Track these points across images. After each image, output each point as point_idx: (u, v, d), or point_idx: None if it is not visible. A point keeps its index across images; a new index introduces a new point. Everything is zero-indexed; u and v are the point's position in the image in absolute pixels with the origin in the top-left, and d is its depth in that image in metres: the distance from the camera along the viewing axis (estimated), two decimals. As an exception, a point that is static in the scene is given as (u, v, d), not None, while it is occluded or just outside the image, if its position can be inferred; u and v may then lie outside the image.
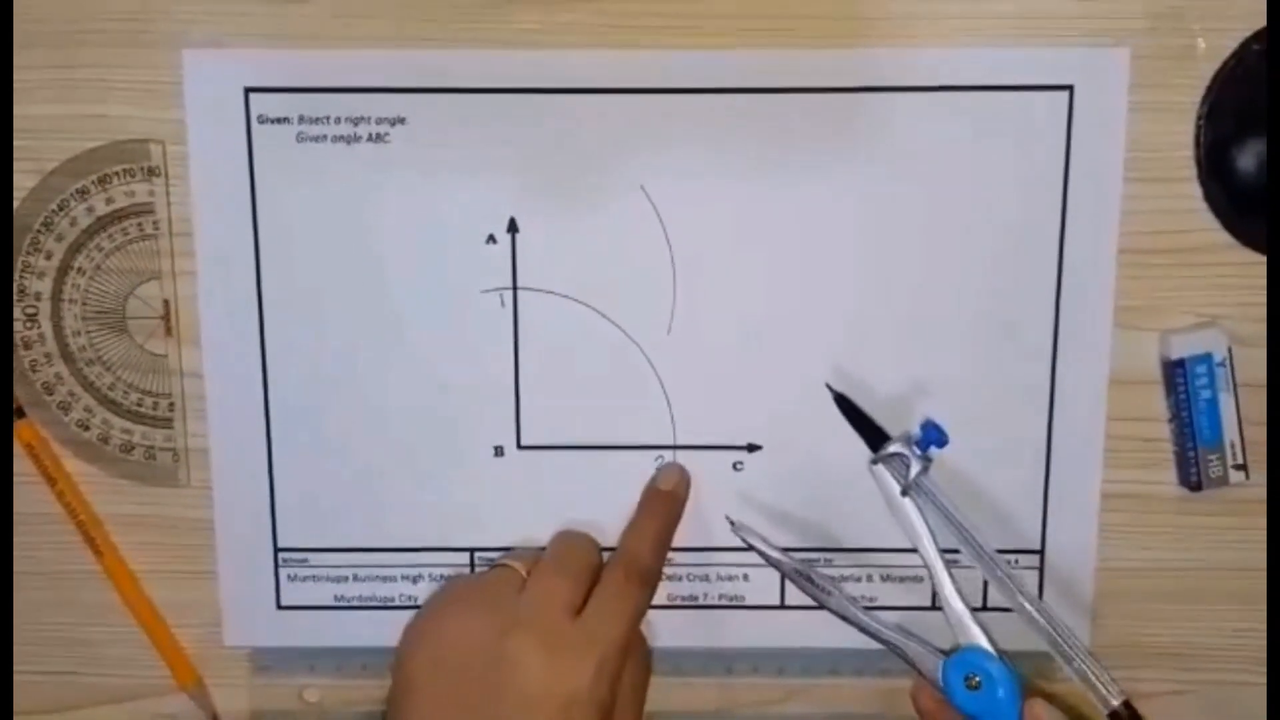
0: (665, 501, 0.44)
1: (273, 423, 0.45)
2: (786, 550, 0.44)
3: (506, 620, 0.40)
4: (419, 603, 0.46)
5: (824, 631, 0.45)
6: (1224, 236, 0.43)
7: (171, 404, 0.45)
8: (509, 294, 0.44)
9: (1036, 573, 0.45)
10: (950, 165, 0.43)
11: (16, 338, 0.45)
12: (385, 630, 0.45)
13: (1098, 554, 0.45)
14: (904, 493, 0.42)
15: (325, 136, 0.43)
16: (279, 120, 0.43)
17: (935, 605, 0.42)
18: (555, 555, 0.43)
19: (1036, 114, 0.42)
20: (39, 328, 0.45)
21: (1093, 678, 0.40)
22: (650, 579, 0.43)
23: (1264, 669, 0.45)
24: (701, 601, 0.46)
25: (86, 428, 0.45)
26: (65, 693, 0.47)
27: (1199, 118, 0.42)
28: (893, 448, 0.42)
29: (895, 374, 0.44)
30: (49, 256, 0.44)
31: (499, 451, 0.45)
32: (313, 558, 0.46)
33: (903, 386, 0.44)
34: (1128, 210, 0.43)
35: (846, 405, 0.43)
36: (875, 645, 0.43)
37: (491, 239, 0.43)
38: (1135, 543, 0.45)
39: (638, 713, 0.42)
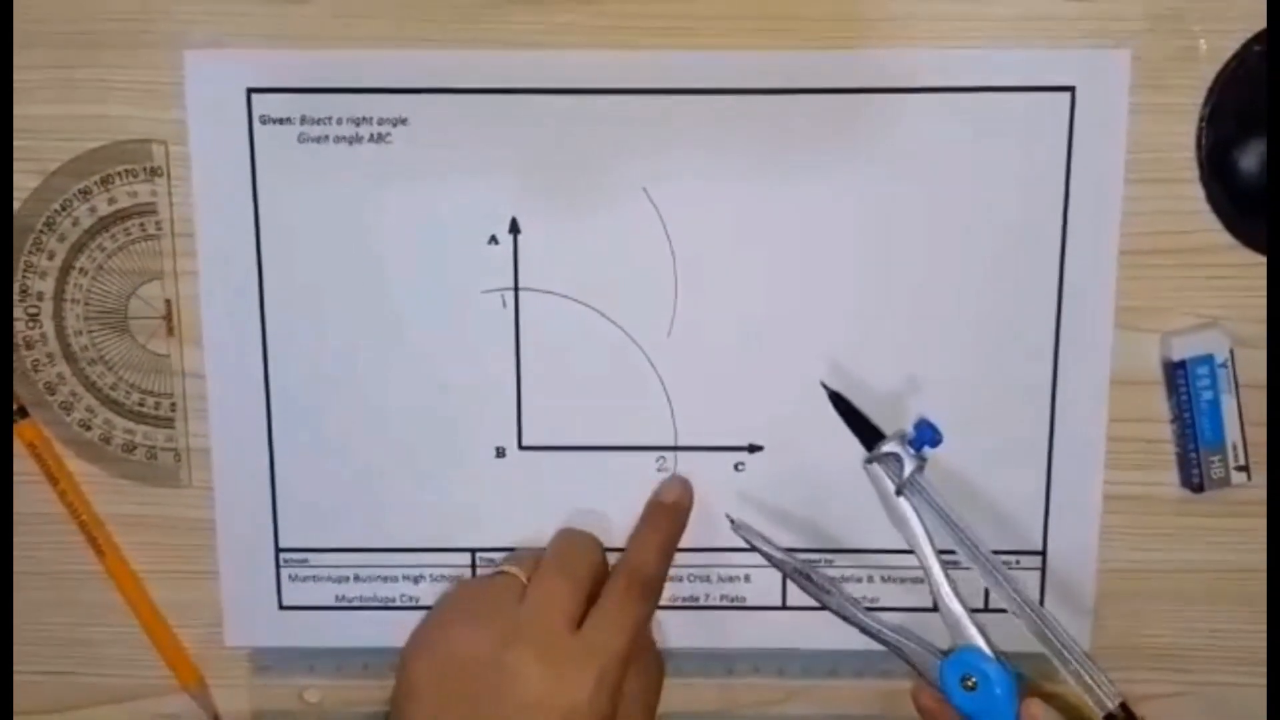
0: (668, 513, 0.44)
1: (274, 423, 0.45)
2: (787, 551, 0.44)
3: (507, 630, 0.40)
4: (420, 603, 0.46)
5: (825, 633, 0.45)
6: (1225, 237, 0.43)
7: (173, 404, 0.45)
8: (510, 294, 0.44)
9: (1038, 574, 0.45)
10: (951, 166, 0.43)
11: (19, 337, 0.45)
12: (386, 630, 0.45)
13: (1099, 555, 0.45)
14: (899, 492, 0.42)
15: (327, 137, 0.43)
16: (281, 120, 0.43)
17: (936, 606, 0.42)
18: (557, 558, 0.43)
19: (1038, 115, 0.42)
20: (41, 328, 0.45)
21: (1088, 679, 0.40)
22: (653, 590, 0.43)
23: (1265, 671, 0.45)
24: (702, 602, 0.46)
25: (88, 428, 0.45)
26: (65, 693, 0.47)
27: (1200, 119, 0.42)
28: (887, 446, 0.42)
29: (896, 375, 0.44)
30: (51, 256, 0.44)
31: (500, 452, 0.45)
32: (314, 558, 0.46)
33: (904, 387, 0.44)
34: (1129, 211, 0.43)
35: (842, 403, 0.43)
36: (875, 646, 0.43)
37: (493, 239, 0.43)
38: (1137, 544, 0.45)
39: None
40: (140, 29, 0.42)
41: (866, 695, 0.47)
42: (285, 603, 0.46)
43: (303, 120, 0.43)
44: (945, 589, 0.41)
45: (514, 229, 0.43)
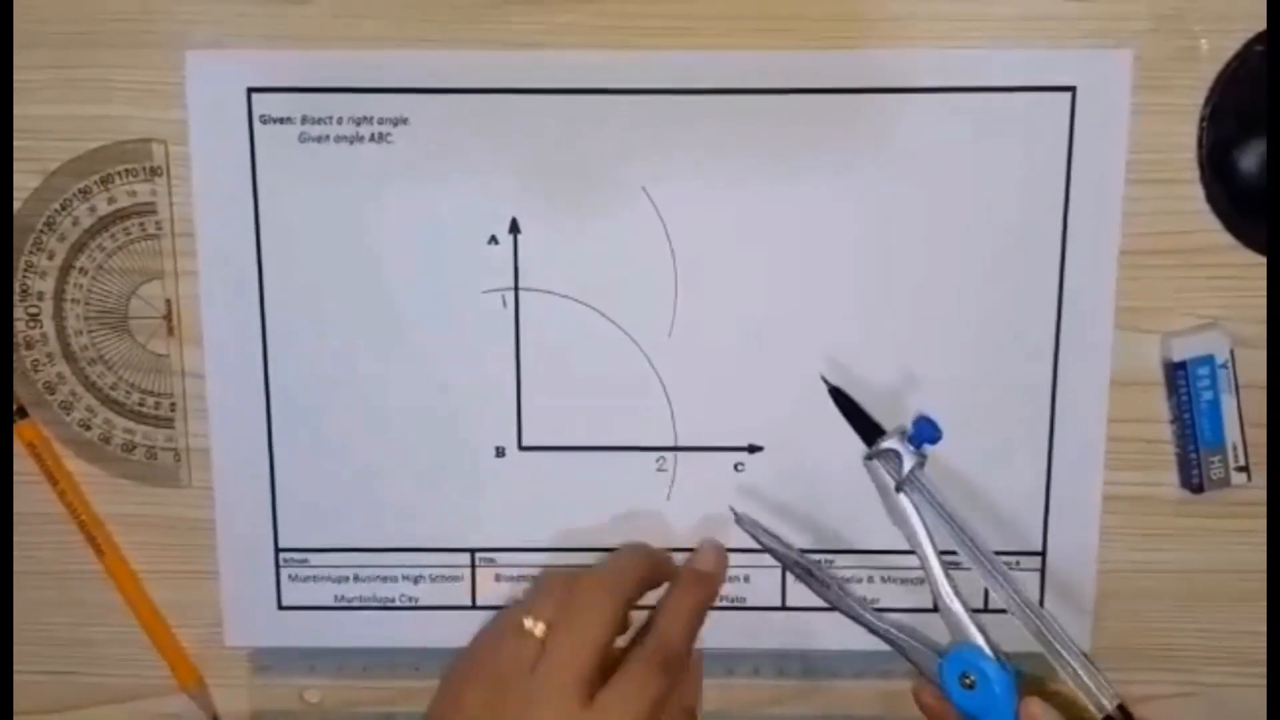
0: (703, 582, 0.44)
1: (274, 423, 0.45)
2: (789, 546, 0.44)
3: (519, 703, 0.39)
4: (420, 603, 0.46)
5: (824, 633, 0.45)
6: (1226, 238, 0.43)
7: (173, 404, 0.45)
8: (510, 294, 0.44)
9: (1038, 575, 0.45)
10: (952, 166, 0.42)
11: (19, 337, 0.45)
12: (386, 630, 0.45)
13: (1099, 555, 0.45)
14: (898, 488, 0.42)
15: (328, 137, 0.43)
16: (281, 120, 0.43)
17: (936, 606, 0.42)
18: (577, 614, 0.41)
19: (1038, 115, 0.42)
20: (41, 327, 0.45)
21: (1086, 680, 0.40)
22: (676, 666, 0.41)
23: (1265, 671, 0.45)
24: (702, 602, 0.46)
25: (88, 427, 0.45)
26: (65, 693, 0.47)
27: (1201, 119, 0.42)
28: (887, 443, 0.42)
29: (896, 375, 0.44)
30: (51, 256, 0.44)
31: (500, 452, 0.45)
32: (313, 558, 0.46)
33: (904, 387, 0.44)
34: (1129, 211, 0.43)
35: (842, 399, 0.43)
36: (875, 647, 0.43)
37: (493, 239, 0.43)
38: (1136, 544, 0.45)
39: None
40: (141, 29, 0.42)
41: (866, 695, 0.47)
42: (285, 603, 0.46)
43: (303, 120, 0.43)
44: (945, 588, 0.41)
45: (514, 229, 0.43)
